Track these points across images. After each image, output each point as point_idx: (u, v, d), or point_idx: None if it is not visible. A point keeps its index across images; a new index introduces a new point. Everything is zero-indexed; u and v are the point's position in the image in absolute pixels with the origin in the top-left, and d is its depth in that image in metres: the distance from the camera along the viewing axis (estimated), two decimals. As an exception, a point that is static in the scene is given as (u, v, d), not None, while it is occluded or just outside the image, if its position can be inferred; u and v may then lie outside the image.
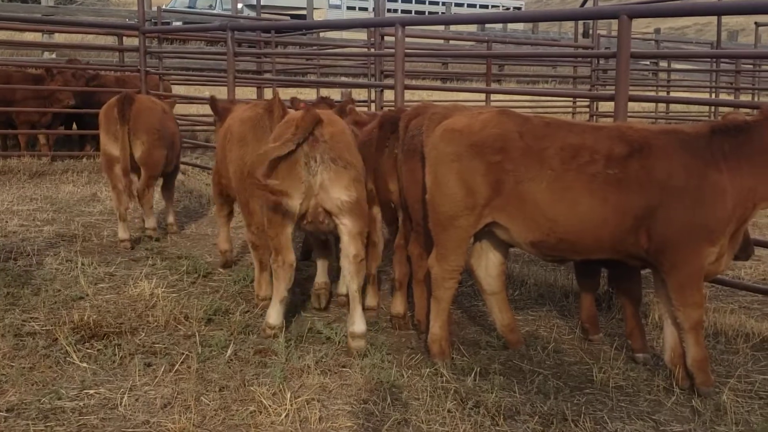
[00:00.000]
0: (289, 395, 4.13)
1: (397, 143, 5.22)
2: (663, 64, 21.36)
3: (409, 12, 43.67)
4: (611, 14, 5.72)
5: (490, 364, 4.76)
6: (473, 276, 5.14)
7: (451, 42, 24.32)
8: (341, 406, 4.17)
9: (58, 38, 19.36)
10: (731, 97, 16.16)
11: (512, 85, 22.85)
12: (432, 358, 4.79)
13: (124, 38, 15.33)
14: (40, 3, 22.18)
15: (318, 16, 32.64)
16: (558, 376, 4.65)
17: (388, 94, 10.60)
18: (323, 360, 4.75)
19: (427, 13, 42.72)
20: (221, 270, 6.80)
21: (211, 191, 7.29)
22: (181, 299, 5.81)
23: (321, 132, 4.79)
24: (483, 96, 13.79)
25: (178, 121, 8.95)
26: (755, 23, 19.75)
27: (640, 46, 24.64)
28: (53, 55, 18.82)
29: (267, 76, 16.19)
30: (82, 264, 6.66)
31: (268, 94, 15.10)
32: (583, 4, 14.92)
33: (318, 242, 6.04)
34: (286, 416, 3.98)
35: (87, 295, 5.96)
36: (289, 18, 29.87)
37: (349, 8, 43.09)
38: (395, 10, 42.13)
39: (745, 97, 17.51)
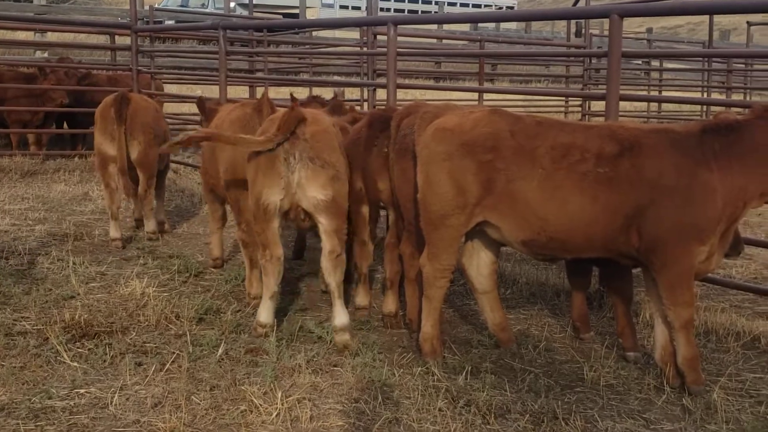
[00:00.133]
0: (280, 394, 4.13)
1: (386, 142, 5.23)
2: (655, 63, 21.41)
3: (402, 11, 43.71)
4: (602, 13, 5.73)
5: (481, 363, 4.76)
6: (465, 275, 5.14)
7: (444, 41, 24.34)
8: (332, 405, 4.16)
9: (51, 37, 19.32)
10: (723, 97, 16.20)
11: (505, 85, 22.85)
12: (423, 356, 4.79)
13: (117, 37, 15.31)
14: (32, 2, 22.09)
15: (311, 15, 32.63)
16: (549, 374, 4.65)
17: (381, 93, 10.59)
18: (314, 359, 4.75)
19: (420, 12, 42.74)
20: (212, 269, 6.79)
21: (202, 191, 7.29)
22: (172, 298, 5.79)
23: (302, 130, 4.88)
24: (476, 95, 13.81)
25: (170, 120, 8.96)
26: (747, 22, 19.81)
27: (633, 46, 24.69)
28: (45, 54, 18.76)
29: (259, 75, 16.17)
30: (74, 263, 6.65)
31: (260, 93, 15.05)
32: (575, 4, 14.95)
33: None
34: (276, 415, 3.98)
35: (78, 294, 5.94)
36: (281, 17, 29.84)
37: (342, 7, 43.12)
38: (388, 9, 42.17)
39: (737, 97, 17.53)
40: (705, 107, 16.19)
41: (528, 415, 4.05)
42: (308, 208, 4.97)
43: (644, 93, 18.15)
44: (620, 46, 5.57)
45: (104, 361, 4.69)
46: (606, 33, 5.72)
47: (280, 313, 5.53)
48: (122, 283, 6.17)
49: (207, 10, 29.51)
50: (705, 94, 17.26)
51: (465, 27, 30.63)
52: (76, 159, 12.42)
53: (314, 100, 6.90)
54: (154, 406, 4.11)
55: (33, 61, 15.61)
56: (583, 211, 4.36)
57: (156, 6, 24.97)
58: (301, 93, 17.59)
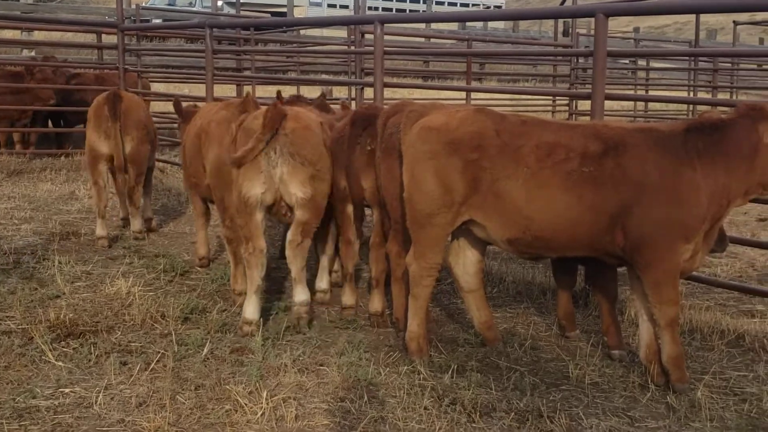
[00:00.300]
0: (265, 394, 4.12)
1: (370, 140, 5.23)
2: (642, 62, 21.48)
3: (390, 10, 43.72)
4: (588, 13, 5.74)
5: (467, 362, 4.77)
6: (451, 274, 5.15)
7: (432, 40, 24.37)
8: (318, 404, 4.16)
9: (38, 36, 19.23)
10: (709, 96, 16.28)
11: (493, 84, 22.90)
12: (410, 355, 4.79)
13: (104, 36, 15.25)
14: (19, 0, 22.01)
15: (298, 13, 32.61)
16: (534, 372, 4.66)
17: (369, 92, 10.59)
18: (300, 358, 4.75)
19: (408, 11, 42.75)
20: (198, 268, 6.78)
21: (184, 187, 7.30)
22: (157, 298, 5.77)
23: (283, 126, 5.03)
24: (463, 94, 13.81)
25: (157, 119, 8.98)
26: (734, 22, 19.91)
27: (620, 45, 24.80)
28: (32, 53, 18.68)
29: (246, 73, 16.14)
30: (59, 262, 6.62)
31: (247, 91, 15.04)
32: (562, 3, 14.98)
33: None
34: (262, 415, 3.97)
35: (63, 293, 5.92)
36: (269, 15, 29.79)
37: (330, 6, 43.10)
38: (376, 8, 42.17)
39: (723, 96, 17.65)
40: (691, 106, 16.25)
41: (513, 414, 4.06)
42: (289, 204, 5.15)
43: (631, 92, 18.19)
44: (605, 45, 5.59)
45: (89, 360, 4.68)
46: (593, 32, 5.73)
47: (265, 312, 5.53)
48: (108, 282, 6.16)
49: (194, 9, 29.44)
50: (691, 93, 17.32)
51: (453, 26, 30.69)
52: (62, 158, 12.36)
53: (298, 100, 6.90)
54: (138, 405, 4.10)
55: (19, 60, 15.52)
56: (568, 210, 4.38)
57: (143, 5, 24.88)
58: (289, 92, 17.56)
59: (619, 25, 47.04)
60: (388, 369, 4.61)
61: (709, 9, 6.67)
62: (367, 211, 5.82)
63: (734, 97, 17.92)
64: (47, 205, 9.25)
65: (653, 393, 4.38)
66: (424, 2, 42.52)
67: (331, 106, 7.21)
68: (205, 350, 4.79)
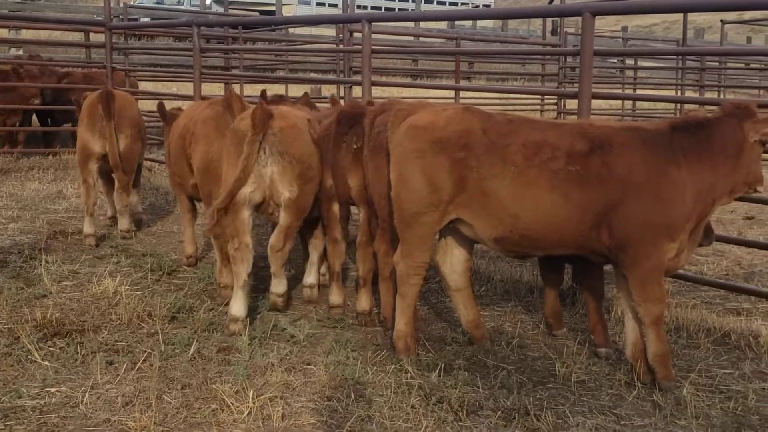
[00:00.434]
0: (251, 393, 4.11)
1: (356, 138, 5.23)
2: (630, 61, 21.54)
3: (379, 8, 43.71)
4: (575, 12, 5.76)
5: (454, 360, 4.77)
6: (439, 272, 5.16)
7: (421, 39, 24.38)
8: (304, 403, 4.16)
9: (25, 34, 19.15)
10: (697, 95, 16.33)
11: (482, 83, 22.93)
12: (397, 354, 4.80)
13: (91, 34, 15.19)
14: (6, -1, 21.91)
15: (287, 11, 32.58)
16: (521, 371, 4.67)
17: (357, 91, 10.59)
18: (287, 357, 4.74)
19: (397, 10, 42.74)
20: (186, 267, 6.77)
21: (170, 185, 7.32)
22: (144, 297, 5.76)
23: (271, 125, 5.11)
24: (452, 93, 13.83)
25: (145, 117, 8.97)
26: (721, 21, 19.98)
27: (608, 44, 24.86)
28: (20, 52, 18.59)
29: (235, 72, 16.11)
30: (46, 262, 6.60)
31: (235, 90, 15.01)
32: (550, 2, 15.00)
33: None
34: (248, 414, 3.97)
35: (50, 293, 5.91)
36: (257, 14, 29.75)
37: (319, 4, 43.04)
38: (365, 7, 42.15)
39: (710, 95, 17.70)
40: (679, 105, 16.31)
41: (500, 412, 4.07)
42: (278, 203, 5.23)
43: (619, 91, 18.24)
44: (592, 44, 5.60)
45: (75, 359, 4.66)
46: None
47: (253, 311, 5.53)
48: (95, 281, 6.14)
49: (182, 7, 29.40)
50: (679, 92, 17.38)
51: (442, 25, 30.73)
52: (50, 157, 12.32)
53: (281, 99, 6.93)
54: (125, 404, 4.09)
55: (6, 59, 15.43)
56: (555, 208, 4.39)
57: (131, 3, 24.80)
58: (278, 90, 17.53)
59: (607, 24, 47.17)
60: (375, 368, 4.61)
61: (696, 8, 6.69)
62: (354, 209, 5.83)
63: (722, 96, 17.99)
64: (34, 205, 9.21)
65: (639, 391, 4.39)
66: (413, 1, 42.55)
67: (319, 103, 7.22)
68: (192, 349, 4.78)
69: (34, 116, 13.67)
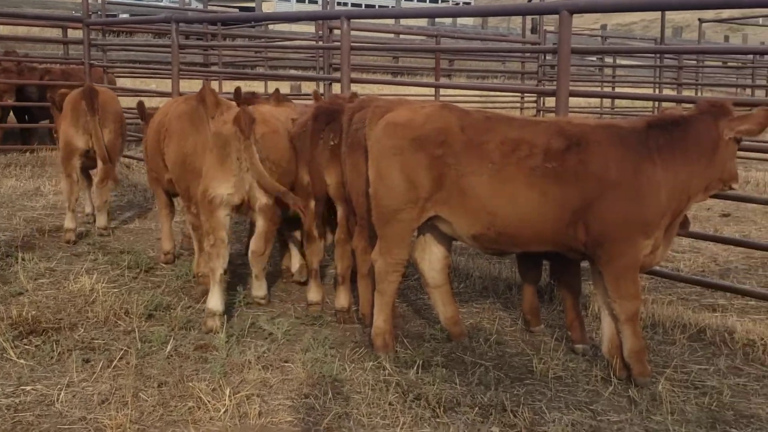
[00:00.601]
0: (228, 390, 4.10)
1: (332, 135, 5.23)
2: (610, 60, 21.65)
3: (359, 5, 43.66)
4: (552, 9, 5.77)
5: (433, 357, 4.78)
6: (417, 269, 5.16)
7: (402, 36, 24.37)
8: (282, 400, 4.15)
9: (2, 30, 18.93)
10: (674, 93, 16.42)
11: (462, 80, 22.96)
12: (375, 351, 4.80)
13: (69, 30, 15.08)
14: (-18, -6, 21.64)
15: (267, 8, 32.47)
16: (499, 367, 4.69)
17: (337, 88, 10.57)
18: (265, 355, 4.73)
19: (377, 7, 42.72)
20: (163, 265, 6.73)
21: (148, 181, 7.31)
22: (121, 294, 5.74)
23: (253, 130, 5.17)
24: (433, 90, 13.85)
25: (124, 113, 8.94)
26: (699, 20, 20.12)
27: (587, 42, 24.95)
28: (-2, 48, 18.42)
29: (214, 68, 16.04)
30: (23, 259, 6.55)
31: (214, 86, 14.96)
32: (529, 0, 15.05)
33: None
34: (225, 412, 3.96)
35: (26, 290, 5.87)
36: (237, 10, 29.64)
37: (299, 1, 42.93)
38: (345, 3, 42.10)
39: (688, 93, 17.82)
40: (657, 103, 16.42)
41: (477, 408, 4.08)
42: (254, 207, 5.33)
43: (598, 89, 18.32)
44: (569, 42, 5.62)
45: (51, 357, 4.63)
46: (562, 30, 5.75)
47: (230, 309, 5.53)
48: (71, 279, 6.10)
49: (162, 4, 29.21)
50: (657, 90, 17.48)
51: (422, 22, 30.72)
52: (27, 154, 12.20)
53: (253, 97, 6.94)
54: (100, 402, 4.07)
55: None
56: (532, 205, 4.40)
57: (109, -1, 24.57)
58: (257, 87, 17.52)
59: (586, 22, 47.35)
60: (353, 365, 4.61)
61: (672, 6, 6.73)
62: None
63: (699, 94, 18.12)
64: (11, 202, 9.14)
65: (615, 387, 4.42)
66: (394, -2, 42.55)
67: (299, 100, 7.23)
68: (169, 347, 4.75)
69: (11, 113, 13.55)
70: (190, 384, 4.24)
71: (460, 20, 35.49)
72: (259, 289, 5.71)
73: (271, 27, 23.02)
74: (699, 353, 5.00)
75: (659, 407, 4.17)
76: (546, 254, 5.06)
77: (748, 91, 20.13)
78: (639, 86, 20.41)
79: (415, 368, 4.55)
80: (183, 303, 5.66)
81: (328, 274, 6.43)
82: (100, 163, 7.61)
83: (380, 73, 21.62)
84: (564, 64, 5.66)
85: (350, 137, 5.07)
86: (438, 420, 3.97)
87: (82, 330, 5.11)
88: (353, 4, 44.61)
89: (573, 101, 5.76)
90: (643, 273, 4.86)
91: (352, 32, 8.23)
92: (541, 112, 15.80)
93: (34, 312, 5.29)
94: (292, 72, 19.20)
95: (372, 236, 4.97)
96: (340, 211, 5.38)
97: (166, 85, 13.55)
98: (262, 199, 5.31)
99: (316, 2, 41.10)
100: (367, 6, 44.00)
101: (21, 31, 18.56)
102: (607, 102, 19.07)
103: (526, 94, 17.94)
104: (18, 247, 7.06)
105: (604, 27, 34.76)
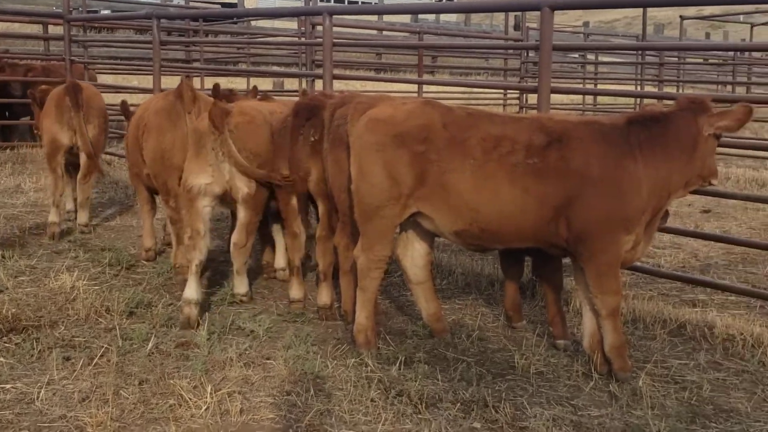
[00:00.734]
0: (209, 388, 4.08)
1: (313, 131, 5.22)
2: (592, 57, 21.72)
3: (342, 2, 43.56)
4: (534, 6, 5.78)
5: (415, 353, 4.78)
6: (400, 266, 5.17)
7: (384, 33, 24.34)
8: (263, 398, 4.14)
9: (-18, 26, 18.83)
10: (656, 89, 16.50)
11: (445, 77, 22.97)
12: (358, 348, 4.79)
13: (50, 26, 14.98)
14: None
15: (249, 4, 32.33)
16: (481, 363, 4.70)
17: (320, 84, 10.56)
18: (246, 352, 4.72)
19: (360, 2, 42.66)
20: (145, 262, 6.71)
21: (129, 177, 7.29)
22: (102, 292, 5.70)
23: (228, 122, 5.26)
24: (416, 87, 13.83)
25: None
26: (680, 17, 20.23)
27: (570, 40, 25.03)
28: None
29: (196, 65, 15.98)
30: (3, 256, 6.52)
31: (196, 83, 14.92)
32: (511, -4, 15.04)
33: None
34: (206, 409, 3.94)
35: (6, 288, 5.82)
36: (219, 6, 29.50)
37: (282, -4, 42.75)
38: (328, 0, 41.98)
39: (669, 89, 17.89)
40: (639, 100, 16.49)
41: (459, 404, 4.09)
42: (235, 198, 5.40)
43: (580, 86, 18.39)
44: (551, 39, 5.64)
45: (31, 355, 4.60)
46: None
47: (212, 306, 5.52)
48: (52, 276, 6.06)
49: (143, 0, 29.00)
50: (639, 87, 17.55)
51: (406, 19, 30.71)
52: (7, 151, 12.12)
53: (231, 93, 6.95)
54: (81, 400, 4.05)
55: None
56: (514, 201, 4.41)
57: (90, -6, 24.40)
58: (239, 83, 17.47)
59: (569, 19, 47.53)
60: (335, 362, 4.61)
61: (654, 3, 6.77)
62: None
63: (681, 91, 18.21)
64: (-9, 199, 9.07)
65: (596, 382, 4.44)
66: (376, -6, 42.47)
67: (282, 97, 7.24)
68: (150, 345, 4.73)
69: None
70: (172, 381, 4.22)
71: (443, 17, 35.48)
72: (240, 285, 5.72)
73: (253, 23, 22.96)
74: (679, 348, 5.03)
75: (640, 402, 4.20)
76: (528, 250, 5.07)
77: (729, 87, 20.21)
78: (621, 83, 20.50)
79: (397, 365, 4.55)
80: (164, 300, 5.63)
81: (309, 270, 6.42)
82: (84, 158, 7.58)
83: (363, 69, 21.60)
84: (545, 60, 5.68)
85: (332, 133, 5.07)
86: (420, 416, 3.97)
87: (63, 328, 5.08)
88: (336, 1, 44.53)
89: (555, 98, 5.78)
90: (624, 269, 4.88)
91: (335, 29, 8.22)
92: (524, 109, 15.84)
93: (14, 310, 5.25)
94: (275, 68, 19.14)
95: (354, 233, 4.96)
96: (321, 208, 5.38)
97: (147, 81, 13.48)
98: (243, 189, 5.38)
99: (299, -2, 41.02)
100: (350, 2, 43.92)
101: (1, 27, 18.45)
102: (589, 99, 19.13)
103: (509, 91, 17.99)
104: (-2, 244, 7.02)
105: (586, 24, 34.88)
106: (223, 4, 31.14)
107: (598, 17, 57.48)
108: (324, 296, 5.44)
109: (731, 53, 20.62)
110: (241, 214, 5.52)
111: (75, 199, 7.97)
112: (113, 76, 17.38)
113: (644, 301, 5.71)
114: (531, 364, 4.64)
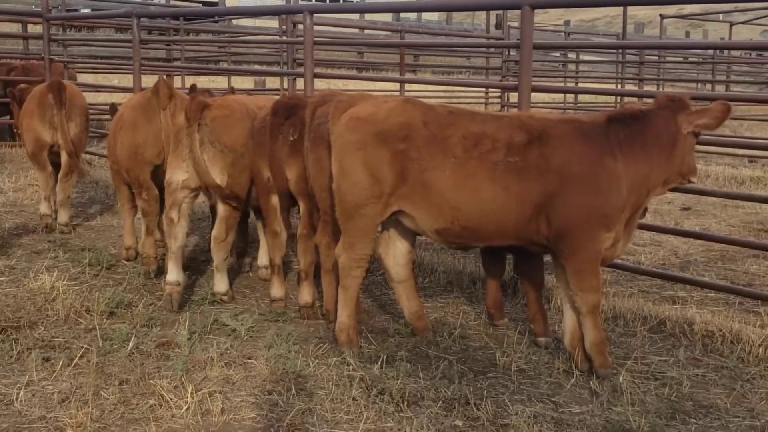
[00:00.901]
0: (190, 388, 4.07)
1: (292, 130, 5.21)
2: (573, 55, 21.80)
3: (324, 0, 43.48)
4: (514, 5, 5.78)
5: (397, 352, 4.78)
6: (381, 264, 5.16)
7: (366, 31, 24.33)
8: (245, 397, 4.13)
9: (-40, 25, 18.64)
10: (636, 88, 16.56)
11: (427, 76, 22.98)
12: (339, 347, 4.79)
13: (29, 25, 14.87)
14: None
15: (230, 2, 32.22)
16: (463, 361, 4.71)
17: (301, 83, 10.52)
18: (228, 352, 4.70)
19: (342, 1, 42.61)
20: (125, 262, 6.67)
21: (112, 181, 7.25)
22: (82, 292, 5.66)
23: (203, 115, 5.40)
24: (398, 86, 13.82)
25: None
26: (660, 16, 20.32)
27: (551, 38, 25.11)
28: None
29: (176, 63, 15.90)
30: (-19, 257, 6.46)
31: (177, 82, 14.85)
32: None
33: None
34: (187, 409, 3.92)
35: (-15, 289, 5.78)
36: (200, 5, 29.38)
37: (264, -5, 42.61)
38: (310, -2, 41.89)
39: (650, 88, 17.98)
40: (619, 98, 16.54)
41: (440, 402, 4.10)
42: (211, 190, 5.52)
43: (561, 84, 18.44)
44: (531, 37, 5.65)
45: (10, 356, 4.57)
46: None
47: (193, 305, 5.50)
48: (31, 276, 6.01)
49: (124, -2, 28.82)
50: (619, 86, 17.62)
51: (388, 17, 30.71)
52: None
53: (207, 92, 6.97)
54: (61, 401, 4.02)
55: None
56: (494, 199, 4.42)
57: (70, -7, 24.23)
58: (221, 82, 17.40)
59: (550, 18, 47.70)
60: (317, 361, 4.60)
61: (635, 1, 6.80)
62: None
63: (661, 89, 18.30)
64: (-31, 199, 8.99)
65: (577, 379, 4.46)
66: (358, -7, 42.42)
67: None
68: (130, 345, 4.71)
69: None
70: (152, 382, 4.20)
71: (425, 16, 35.54)
72: (220, 283, 5.71)
73: (234, 22, 22.87)
74: (659, 345, 5.06)
75: (620, 398, 4.22)
76: (509, 248, 5.08)
77: (708, 86, 20.34)
78: (601, 81, 20.57)
79: (379, 363, 4.55)
80: (145, 300, 5.61)
81: (291, 269, 6.41)
82: (65, 157, 7.54)
83: (345, 68, 21.56)
84: (526, 59, 5.69)
85: (313, 132, 5.05)
86: (402, 414, 3.97)
87: (42, 328, 5.04)
88: (318, -1, 44.42)
89: (537, 96, 5.80)
90: (604, 266, 4.90)
91: (316, 27, 8.21)
92: (506, 107, 15.87)
93: (-7, 310, 5.22)
94: (256, 67, 19.07)
95: (335, 231, 4.96)
96: (302, 206, 5.36)
97: (128, 80, 13.41)
98: (217, 180, 5.44)
99: (281, -3, 40.91)
100: (331, 1, 43.87)
101: (-21, 26, 18.29)
102: (570, 97, 19.20)
103: (490, 90, 18.01)
104: (-24, 244, 6.96)
105: (567, 23, 35.00)
106: (204, 3, 31.00)
107: (579, 16, 57.71)
108: (305, 295, 5.43)
109: (711, 52, 20.79)
110: (220, 207, 5.56)
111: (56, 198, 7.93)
112: (93, 75, 17.26)
113: (624, 298, 5.74)
114: (512, 362, 4.65)
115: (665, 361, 4.78)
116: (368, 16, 26.08)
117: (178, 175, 5.48)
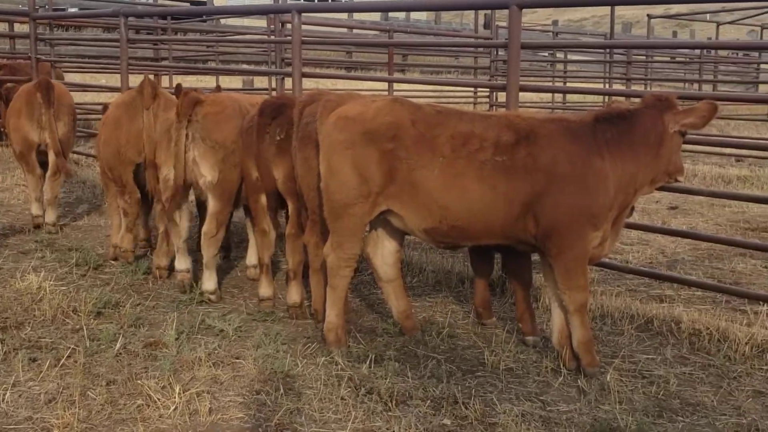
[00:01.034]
0: (178, 388, 4.06)
1: (279, 130, 5.21)
2: (561, 55, 21.85)
3: None
4: (502, 4, 5.80)
5: (385, 351, 4.79)
6: (370, 264, 5.16)
7: (355, 31, 24.33)
8: (233, 397, 4.12)
9: (-55, 24, 18.52)
10: (624, 88, 16.61)
11: (416, 75, 23.00)
12: (328, 346, 4.79)
13: (16, 24, 14.80)
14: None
15: (218, 2, 32.18)
16: (451, 360, 4.71)
17: (289, 82, 10.51)
18: (215, 352, 4.69)
19: (330, 1, 42.57)
20: (112, 262, 6.64)
21: (101, 180, 7.23)
22: (69, 292, 5.65)
23: (195, 111, 5.47)
24: (386, 85, 13.83)
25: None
26: (648, 15, 20.40)
27: (539, 38, 25.16)
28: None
29: (164, 63, 15.85)
30: (-33, 258, 6.43)
31: (165, 81, 14.80)
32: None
33: None
34: (175, 409, 3.91)
35: (-29, 289, 5.74)
36: (188, 4, 29.30)
37: (252, -5, 42.53)
38: (299, -2, 41.84)
39: (637, 87, 18.04)
40: (607, 98, 16.58)
41: (429, 401, 4.10)
42: (201, 186, 5.60)
43: (549, 84, 18.49)
44: (519, 37, 5.66)
45: (-3, 357, 4.55)
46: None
47: (180, 305, 5.48)
48: (18, 276, 5.98)
49: (111, -3, 28.73)
50: (607, 85, 17.67)
51: (376, 17, 30.73)
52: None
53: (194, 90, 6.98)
54: (47, 402, 4.00)
55: None
56: (483, 199, 4.42)
57: (57, -8, 24.12)
58: (208, 81, 17.36)
59: (538, 17, 47.81)
60: (305, 360, 4.59)
61: (622, 1, 6.82)
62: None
63: (648, 89, 18.35)
64: (-45, 200, 8.94)
65: (565, 377, 4.47)
66: (347, -8, 42.39)
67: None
68: (118, 345, 4.69)
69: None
70: (140, 382, 4.19)
71: (414, 15, 35.57)
72: (208, 281, 5.71)
73: (222, 21, 22.83)
74: (646, 343, 5.08)
75: (608, 397, 4.23)
76: (497, 247, 5.09)
77: (696, 85, 20.42)
78: (589, 81, 20.64)
79: (367, 362, 4.55)
80: (132, 300, 5.59)
81: (280, 269, 6.40)
82: (52, 156, 7.52)
83: (334, 67, 21.56)
84: (514, 58, 5.70)
85: (301, 131, 5.05)
86: (390, 413, 3.97)
87: (29, 329, 5.02)
88: (306, -1, 44.41)
89: (525, 96, 5.81)
90: (592, 265, 4.92)
91: (305, 27, 8.20)
92: (494, 107, 15.90)
93: (-21, 311, 5.19)
94: (244, 66, 19.06)
95: (324, 231, 4.95)
96: (290, 206, 5.36)
97: (116, 80, 13.38)
98: (207, 177, 5.51)
99: (269, -4, 40.85)
100: (319, 0, 43.84)
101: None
102: (558, 97, 19.24)
103: (479, 89, 18.04)
104: (-38, 245, 6.92)
105: (555, 22, 35.10)
106: (192, 2, 30.95)
107: (567, 16, 57.86)
108: (294, 295, 5.42)
109: (698, 51, 20.87)
110: (210, 203, 5.61)
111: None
112: (81, 74, 17.20)
113: (612, 297, 5.76)
114: (500, 361, 4.66)
115: (652, 360, 4.80)
116: (357, 16, 26.09)
117: (165, 170, 5.63)
